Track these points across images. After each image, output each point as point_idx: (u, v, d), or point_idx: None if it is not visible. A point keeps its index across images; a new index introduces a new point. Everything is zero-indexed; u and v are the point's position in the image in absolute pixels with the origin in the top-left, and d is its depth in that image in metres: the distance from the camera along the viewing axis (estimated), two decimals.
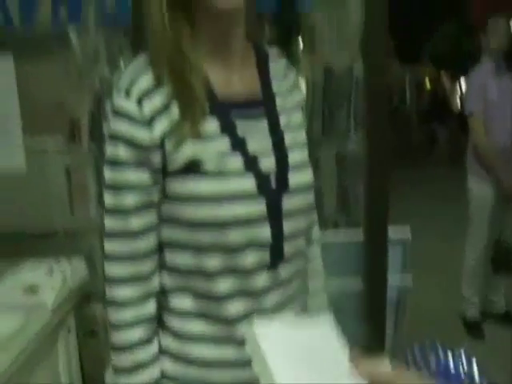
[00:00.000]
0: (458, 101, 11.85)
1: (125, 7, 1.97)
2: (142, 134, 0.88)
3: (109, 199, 0.91)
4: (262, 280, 0.92)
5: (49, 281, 1.95)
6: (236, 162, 0.90)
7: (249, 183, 0.90)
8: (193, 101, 0.87)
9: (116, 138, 0.89)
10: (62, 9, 2.02)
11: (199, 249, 0.89)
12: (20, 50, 2.09)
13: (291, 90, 1.03)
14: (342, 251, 1.86)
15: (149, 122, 0.88)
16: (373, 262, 1.79)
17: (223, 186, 0.88)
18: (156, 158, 0.89)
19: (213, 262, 0.89)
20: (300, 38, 4.44)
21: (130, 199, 0.90)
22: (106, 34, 2.20)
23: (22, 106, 1.95)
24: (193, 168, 0.87)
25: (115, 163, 0.90)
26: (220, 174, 0.88)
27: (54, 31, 2.08)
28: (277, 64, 1.04)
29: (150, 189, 0.90)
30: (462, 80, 10.98)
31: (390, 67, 18.29)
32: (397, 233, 1.93)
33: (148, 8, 0.87)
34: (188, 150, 0.87)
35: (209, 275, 0.90)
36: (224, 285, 0.90)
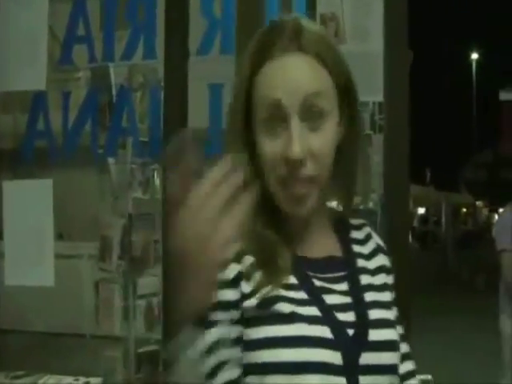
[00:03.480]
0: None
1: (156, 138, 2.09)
2: (228, 295, 0.87)
3: None
4: None
5: None
6: (312, 311, 0.86)
7: (324, 331, 0.86)
8: (278, 272, 0.87)
9: None
10: (101, 137, 2.15)
11: None
12: (59, 168, 2.21)
13: (373, 255, 1.00)
14: None
15: (233, 284, 0.87)
16: None
17: (297, 331, 0.84)
18: (238, 314, 0.87)
19: None
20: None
21: (215, 357, 0.85)
22: (141, 160, 2.35)
23: (59, 217, 2.04)
24: (267, 311, 0.85)
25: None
26: (295, 319, 0.85)
27: (93, 156, 2.20)
28: (358, 231, 1.01)
29: (235, 344, 0.87)
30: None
31: (427, 194, 18.50)
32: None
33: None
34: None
35: None
36: None
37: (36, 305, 5.53)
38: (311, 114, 0.85)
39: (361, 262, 0.97)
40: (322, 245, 0.95)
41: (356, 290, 0.93)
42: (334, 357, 0.85)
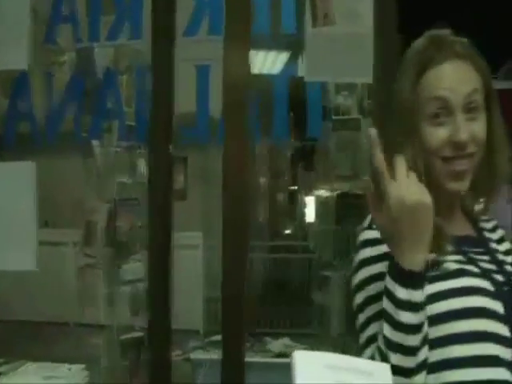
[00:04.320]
0: None
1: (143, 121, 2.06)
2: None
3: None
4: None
5: None
6: (473, 268, 1.04)
7: (487, 285, 1.02)
8: (444, 239, 1.02)
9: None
10: (85, 120, 2.11)
11: (441, 338, 0.98)
12: (43, 154, 2.17)
13: (501, 241, 1.17)
14: None
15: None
16: None
17: (466, 283, 1.01)
18: None
19: (456, 351, 0.98)
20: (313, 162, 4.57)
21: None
22: (127, 144, 2.31)
23: (44, 204, 2.01)
24: (439, 270, 1.01)
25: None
26: (463, 274, 1.02)
27: (77, 140, 2.17)
28: (486, 222, 1.19)
29: None
30: None
31: None
32: None
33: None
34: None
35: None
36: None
37: (21, 293, 5.48)
38: (470, 108, 1.05)
39: (492, 245, 1.14)
40: (461, 225, 1.13)
41: (496, 261, 1.10)
42: (497, 306, 1.01)
